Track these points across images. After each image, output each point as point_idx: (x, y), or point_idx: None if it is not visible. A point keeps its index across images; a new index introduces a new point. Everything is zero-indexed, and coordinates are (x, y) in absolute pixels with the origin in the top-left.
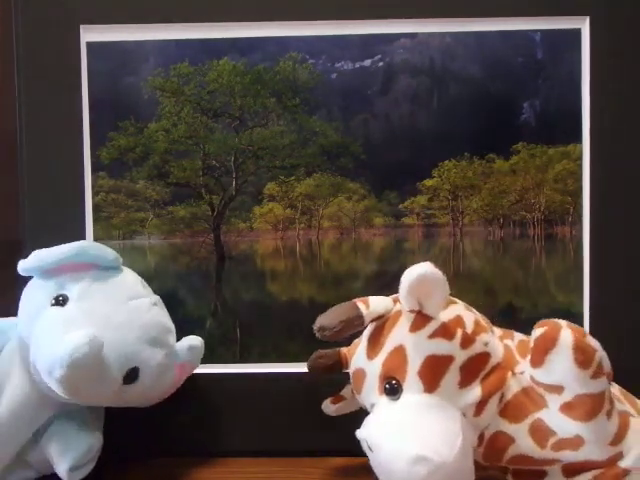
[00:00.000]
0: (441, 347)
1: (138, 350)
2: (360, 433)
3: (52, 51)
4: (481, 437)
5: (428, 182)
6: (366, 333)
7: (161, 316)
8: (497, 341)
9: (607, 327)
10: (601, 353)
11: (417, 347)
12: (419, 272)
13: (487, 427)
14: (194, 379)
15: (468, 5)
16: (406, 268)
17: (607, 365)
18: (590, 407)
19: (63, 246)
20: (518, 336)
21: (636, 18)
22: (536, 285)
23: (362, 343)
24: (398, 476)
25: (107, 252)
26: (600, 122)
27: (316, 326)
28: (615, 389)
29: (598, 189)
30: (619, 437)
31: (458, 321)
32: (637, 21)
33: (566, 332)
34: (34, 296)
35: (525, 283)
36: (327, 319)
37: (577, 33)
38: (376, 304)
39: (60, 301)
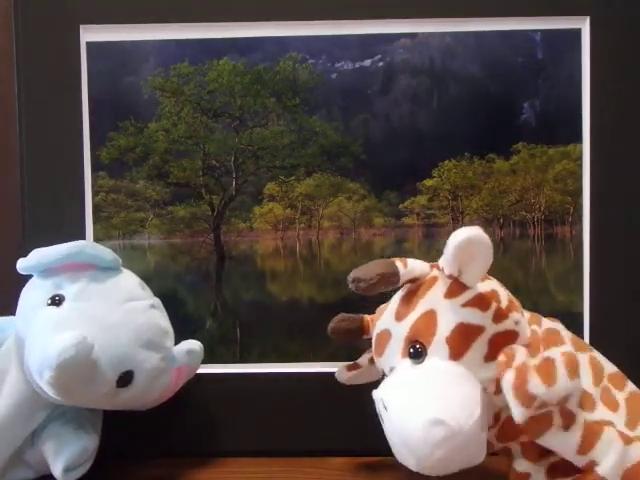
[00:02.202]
0: (474, 316)
1: (132, 353)
2: (377, 393)
3: (52, 51)
4: (497, 418)
5: (428, 182)
6: (398, 294)
7: (158, 319)
8: (526, 324)
9: (607, 327)
10: (543, 398)
11: (449, 313)
12: (468, 235)
13: (505, 408)
14: (194, 379)
15: (468, 5)
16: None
17: (556, 397)
18: (536, 428)
19: (61, 245)
20: (545, 323)
21: (636, 18)
22: (536, 285)
23: (391, 305)
24: (413, 436)
25: (105, 252)
26: (600, 122)
27: (350, 277)
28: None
29: (598, 189)
30: (586, 446)
31: (493, 294)
32: (637, 21)
33: (510, 374)
34: (31, 295)
35: (525, 283)
36: (363, 271)
37: (577, 33)
38: (413, 265)
39: (56, 301)
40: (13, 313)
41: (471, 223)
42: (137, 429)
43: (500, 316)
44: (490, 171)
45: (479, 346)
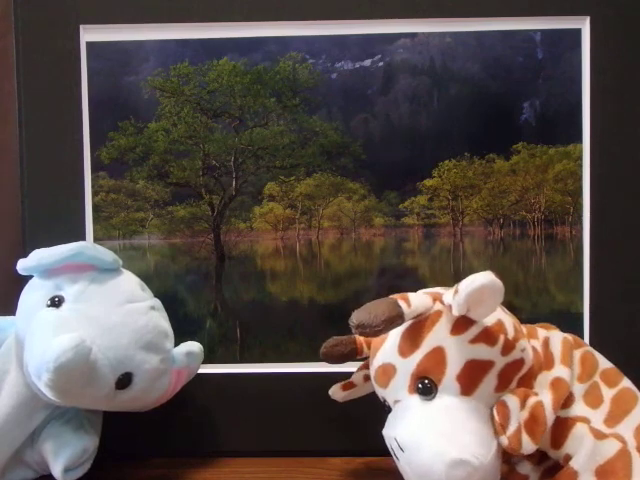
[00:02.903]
0: (483, 352)
1: (132, 355)
2: (389, 432)
3: (52, 51)
4: None
5: (428, 182)
6: (399, 329)
7: (158, 320)
8: (529, 345)
9: (607, 327)
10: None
11: (458, 350)
12: (481, 283)
13: None
14: (194, 379)
15: (468, 5)
16: (406, 268)
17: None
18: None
19: (62, 246)
20: (540, 334)
21: (636, 18)
22: (536, 285)
23: (392, 338)
24: (435, 478)
25: (106, 254)
26: (600, 122)
27: (354, 322)
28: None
29: (598, 189)
30: (558, 441)
31: (500, 326)
32: (637, 21)
33: (504, 440)
34: (31, 296)
35: (525, 283)
36: (367, 316)
37: (577, 33)
38: (417, 303)
39: (56, 302)
40: (13, 313)
41: (471, 223)
42: (137, 429)
43: (508, 348)
44: (490, 171)
45: (489, 380)
